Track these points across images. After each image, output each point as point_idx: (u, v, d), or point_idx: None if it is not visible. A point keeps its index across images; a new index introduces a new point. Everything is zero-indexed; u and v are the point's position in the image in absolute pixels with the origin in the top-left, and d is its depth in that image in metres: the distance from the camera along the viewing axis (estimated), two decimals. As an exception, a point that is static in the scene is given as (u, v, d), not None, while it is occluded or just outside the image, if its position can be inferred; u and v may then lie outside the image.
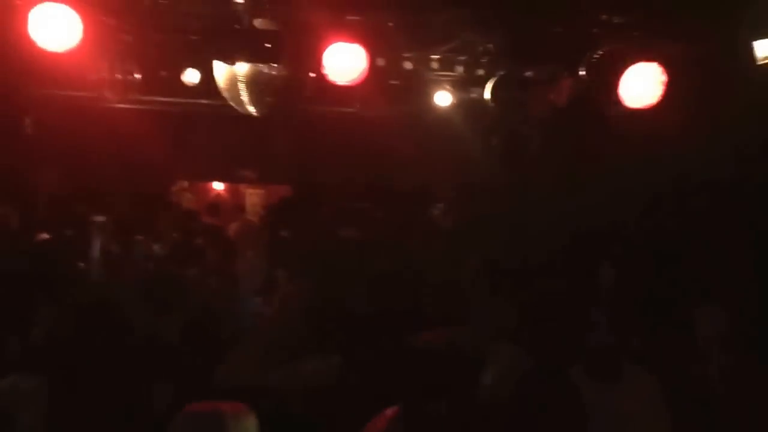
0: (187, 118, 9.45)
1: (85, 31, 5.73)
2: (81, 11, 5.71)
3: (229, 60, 6.56)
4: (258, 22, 6.58)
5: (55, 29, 5.68)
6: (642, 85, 5.81)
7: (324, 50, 6.12)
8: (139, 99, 8.51)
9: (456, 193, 9.25)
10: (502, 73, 7.97)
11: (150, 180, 9.89)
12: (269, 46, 6.28)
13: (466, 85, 8.47)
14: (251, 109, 7.40)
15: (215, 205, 10.04)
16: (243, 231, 9.23)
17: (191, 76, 8.30)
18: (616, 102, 5.85)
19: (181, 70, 7.86)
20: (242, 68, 7.16)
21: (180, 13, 6.63)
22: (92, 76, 7.76)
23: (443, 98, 8.72)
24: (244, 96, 7.31)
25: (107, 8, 6.20)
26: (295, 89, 7.01)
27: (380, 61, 7.71)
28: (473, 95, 8.50)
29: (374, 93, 7.94)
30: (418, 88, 8.54)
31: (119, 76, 8.09)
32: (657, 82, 5.78)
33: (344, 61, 6.16)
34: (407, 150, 9.49)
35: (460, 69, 8.16)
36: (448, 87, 8.62)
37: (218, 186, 12.12)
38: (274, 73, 7.05)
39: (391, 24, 6.48)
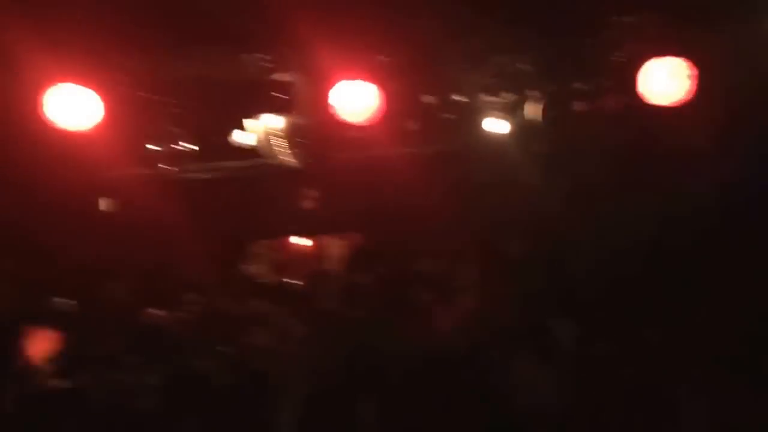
0: (251, 179, 9.54)
1: (107, 107, 5.92)
2: (100, 90, 5.89)
3: (252, 116, 6.62)
4: (277, 76, 6.63)
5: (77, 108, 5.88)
6: (666, 80, 5.40)
7: (331, 92, 6.05)
8: (195, 167, 8.66)
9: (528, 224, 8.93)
10: (548, 91, 7.68)
11: (227, 245, 10.06)
12: (283, 96, 6.27)
13: (514, 109, 8.17)
14: (291, 161, 7.43)
15: (282, 262, 10.10)
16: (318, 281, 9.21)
17: (241, 137, 8.43)
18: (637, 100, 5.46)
19: (225, 133, 7.98)
20: (274, 122, 7.24)
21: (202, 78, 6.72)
22: (141, 151, 7.94)
23: (494, 125, 8.43)
24: (281, 149, 7.36)
25: (129, 82, 6.35)
26: (326, 136, 6.96)
27: (428, 98, 7.62)
28: (524, 118, 8.19)
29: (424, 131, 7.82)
30: (466, 118, 8.30)
31: (174, 147, 8.30)
32: (683, 76, 5.36)
33: (354, 100, 6.07)
34: (475, 183, 9.25)
35: (504, 94, 7.90)
36: (497, 113, 8.33)
37: (297, 240, 12.19)
38: (305, 122, 7.08)
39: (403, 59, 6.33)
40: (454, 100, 8.00)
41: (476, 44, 6.85)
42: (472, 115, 8.32)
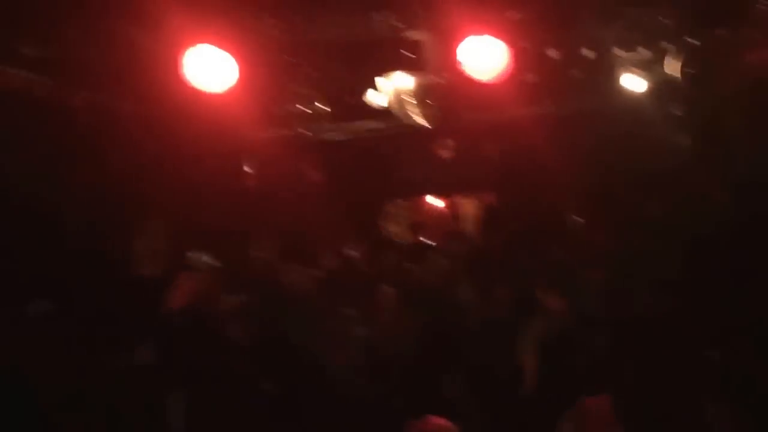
0: (385, 139, 9.67)
1: (242, 69, 6.12)
2: (235, 52, 6.11)
3: (383, 76, 6.69)
4: (407, 34, 6.66)
5: (213, 70, 6.12)
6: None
7: (459, 50, 6.01)
8: (331, 127, 8.85)
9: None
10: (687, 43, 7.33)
11: (366, 206, 10.28)
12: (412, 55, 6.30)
13: (652, 65, 7.85)
14: (421, 122, 7.47)
15: (418, 222, 10.22)
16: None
17: (374, 97, 8.54)
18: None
19: (358, 93, 8.10)
20: (405, 82, 7.29)
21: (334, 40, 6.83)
22: (276, 112, 8.17)
23: (632, 82, 8.12)
24: (412, 109, 7.41)
25: (263, 44, 6.53)
26: (455, 95, 6.95)
27: (558, 55, 7.44)
28: (663, 75, 7.86)
29: (557, 89, 7.66)
30: (602, 76, 8.04)
31: (308, 110, 8.51)
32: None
33: (482, 57, 6.02)
34: (612, 145, 8.99)
35: (641, 49, 7.60)
36: (634, 69, 8.03)
37: (432, 200, 12.29)
38: (435, 82, 7.10)
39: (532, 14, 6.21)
40: (585, 56, 7.78)
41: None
42: (606, 71, 8.07)
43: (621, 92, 8.19)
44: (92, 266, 7.00)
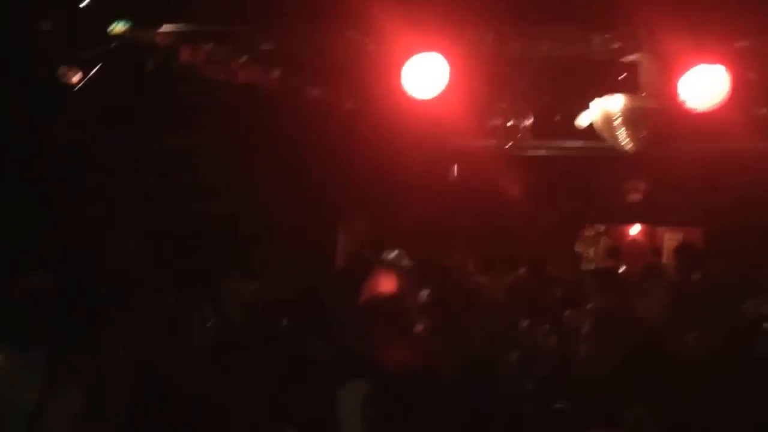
0: (587, 160, 9.54)
1: (454, 78, 6.27)
2: (450, 60, 6.26)
3: (593, 96, 6.62)
4: (624, 57, 6.54)
5: (428, 77, 6.31)
6: None
7: (679, 76, 5.83)
8: (535, 144, 8.85)
9: None
10: None
11: (561, 226, 10.20)
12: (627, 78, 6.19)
13: None
14: (627, 146, 7.33)
15: (614, 248, 9.96)
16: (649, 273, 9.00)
17: (583, 118, 8.47)
18: None
19: (564, 111, 8.06)
20: (616, 104, 7.17)
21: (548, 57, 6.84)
22: (485, 123, 8.28)
23: None
24: (620, 132, 7.28)
25: (478, 57, 6.65)
26: (666, 122, 6.76)
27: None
28: None
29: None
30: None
31: (515, 124, 8.55)
32: None
33: (703, 86, 5.80)
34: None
35: None
36: None
37: (634, 230, 11.94)
38: (647, 106, 6.93)
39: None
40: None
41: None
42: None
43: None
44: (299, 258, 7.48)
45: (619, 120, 7.15)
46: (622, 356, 4.07)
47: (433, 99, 6.30)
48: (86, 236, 5.49)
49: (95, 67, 5.09)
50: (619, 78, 6.91)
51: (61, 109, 5.06)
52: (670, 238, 11.50)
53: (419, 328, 5.19)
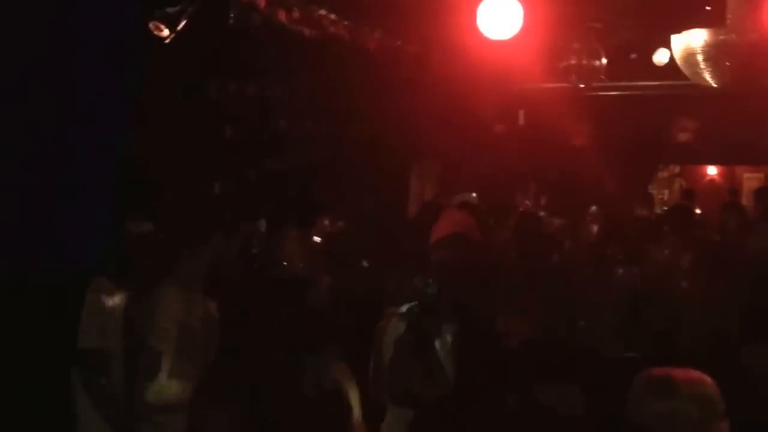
0: (670, 100, 9.23)
1: (528, 18, 6.10)
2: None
3: (675, 32, 6.35)
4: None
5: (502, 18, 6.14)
6: None
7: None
8: (610, 84, 8.60)
9: None
10: None
11: (636, 165, 9.95)
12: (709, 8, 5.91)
13: None
14: (711, 82, 7.05)
15: (689, 190, 9.72)
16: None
17: (661, 57, 8.19)
18: None
19: (642, 50, 7.81)
20: (699, 39, 6.88)
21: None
22: (559, 64, 8.06)
23: None
24: (703, 68, 7.00)
25: None
26: (752, 57, 6.45)
27: None
28: None
29: None
30: None
31: (589, 63, 8.31)
32: None
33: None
34: None
35: None
36: None
37: (712, 170, 11.62)
38: (732, 40, 6.64)
39: None
40: None
41: None
42: None
43: None
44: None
45: (704, 56, 6.86)
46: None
47: (507, 40, 6.16)
48: (172, 184, 5.60)
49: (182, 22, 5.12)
50: (704, 10, 6.60)
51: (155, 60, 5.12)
52: (749, 178, 11.19)
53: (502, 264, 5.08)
